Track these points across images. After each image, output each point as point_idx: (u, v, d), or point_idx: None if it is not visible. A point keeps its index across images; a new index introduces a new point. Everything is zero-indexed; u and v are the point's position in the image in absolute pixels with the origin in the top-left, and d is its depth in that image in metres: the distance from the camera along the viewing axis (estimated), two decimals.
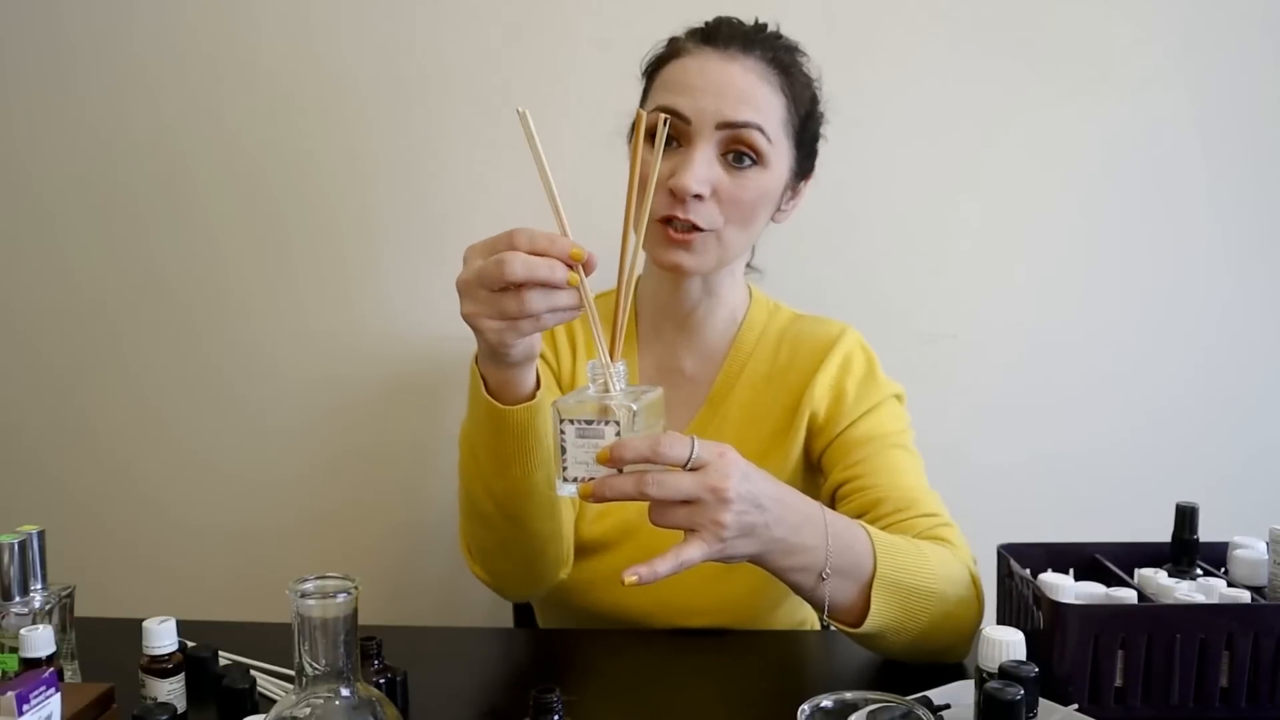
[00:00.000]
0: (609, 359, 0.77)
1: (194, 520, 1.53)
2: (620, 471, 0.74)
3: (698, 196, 0.97)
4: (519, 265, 0.73)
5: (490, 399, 0.85)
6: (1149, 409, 1.46)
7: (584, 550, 1.09)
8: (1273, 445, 1.46)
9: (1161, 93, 1.40)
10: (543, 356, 1.14)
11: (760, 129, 0.99)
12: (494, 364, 0.83)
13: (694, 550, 0.75)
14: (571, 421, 0.74)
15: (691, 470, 0.75)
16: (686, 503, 0.75)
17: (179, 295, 1.49)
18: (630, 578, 0.74)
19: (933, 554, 0.92)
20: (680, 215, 0.97)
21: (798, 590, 0.86)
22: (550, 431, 0.84)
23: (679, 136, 1.00)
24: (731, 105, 0.98)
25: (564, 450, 0.75)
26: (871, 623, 0.86)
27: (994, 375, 1.46)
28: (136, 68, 1.44)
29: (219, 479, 1.52)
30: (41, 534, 0.86)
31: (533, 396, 0.86)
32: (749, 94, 0.99)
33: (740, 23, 1.05)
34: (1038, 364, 1.46)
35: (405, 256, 1.46)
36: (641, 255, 0.85)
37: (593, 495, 0.74)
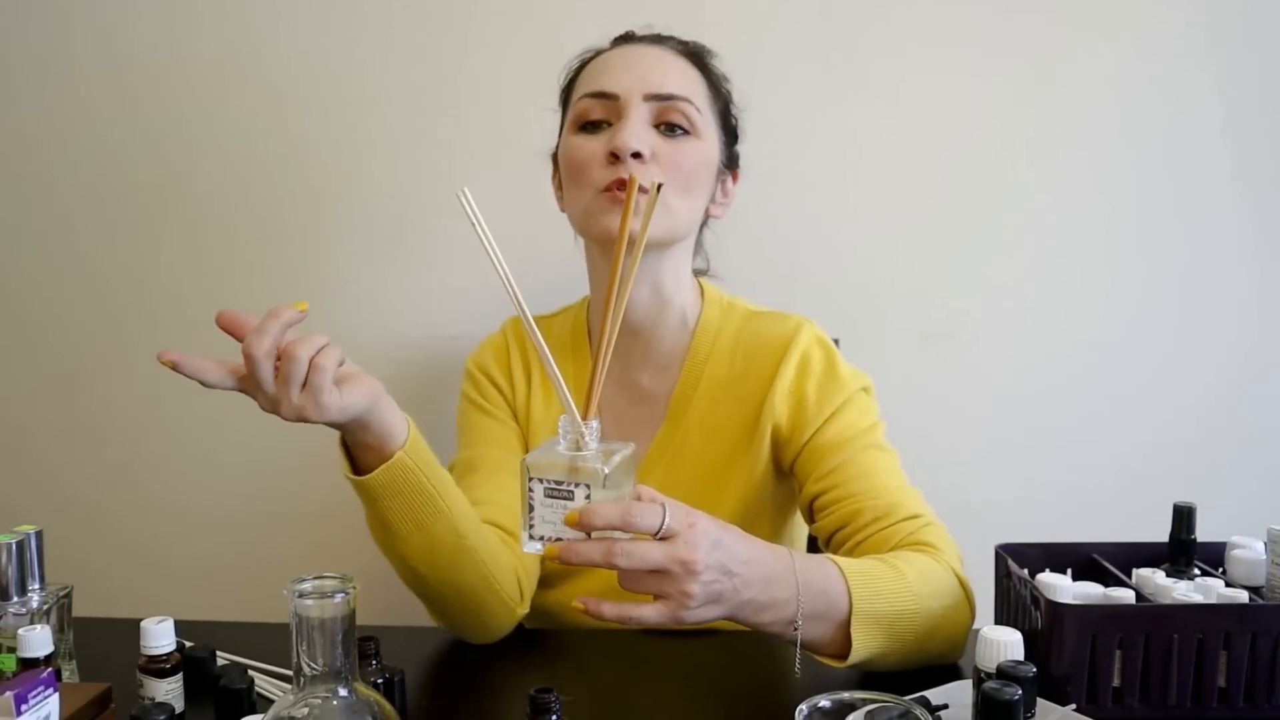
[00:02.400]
0: (579, 417, 0.73)
1: (193, 519, 1.53)
2: (589, 536, 0.72)
3: (637, 155, 0.97)
4: (252, 347, 0.78)
5: (349, 474, 0.88)
6: (1146, 409, 1.46)
7: (560, 576, 1.09)
8: (1271, 445, 1.46)
9: (1162, 92, 1.40)
10: (495, 385, 1.14)
11: (689, 100, 1.01)
12: (345, 435, 0.86)
13: (651, 614, 0.75)
14: (540, 480, 0.72)
15: (661, 539, 0.73)
16: (655, 571, 0.74)
17: (178, 293, 1.49)
18: (578, 604, 0.74)
19: (911, 571, 0.89)
20: (624, 175, 0.96)
21: (773, 639, 0.85)
22: (432, 481, 0.87)
23: (609, 116, 1.01)
24: (658, 78, 1.01)
25: (531, 508, 0.72)
26: (856, 656, 0.85)
27: (992, 376, 1.46)
28: (143, 68, 1.45)
29: (218, 478, 1.52)
30: (39, 534, 0.86)
31: (390, 456, 0.85)
32: (672, 70, 1.02)
33: (649, 29, 1.09)
34: (1036, 364, 1.46)
35: (405, 257, 1.46)
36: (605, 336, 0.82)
37: (559, 558, 0.73)
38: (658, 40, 1.07)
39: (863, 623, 0.85)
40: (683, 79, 1.03)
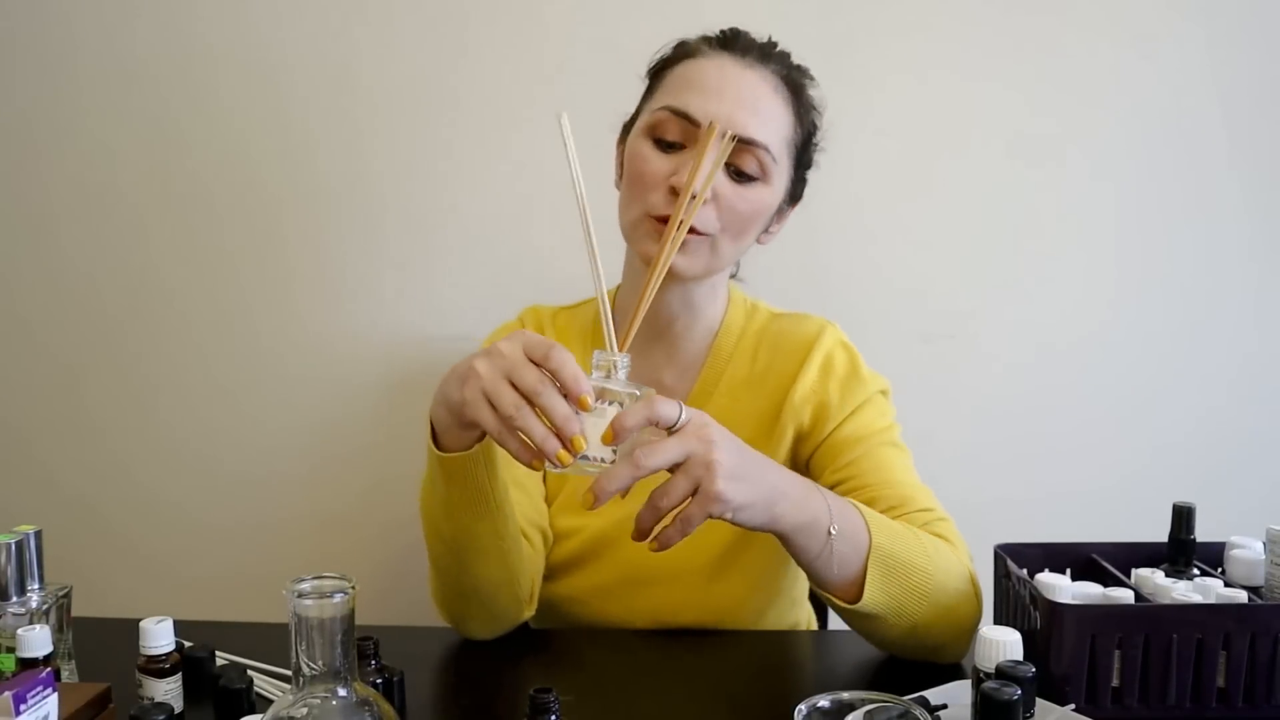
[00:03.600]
0: (616, 349, 0.79)
1: (192, 519, 1.53)
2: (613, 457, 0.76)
3: (695, 196, 0.95)
4: (558, 406, 0.74)
5: (432, 445, 0.88)
6: (1146, 409, 1.46)
7: (565, 568, 1.09)
8: (1269, 445, 1.46)
9: (1163, 93, 1.40)
10: None
11: (767, 149, 0.97)
12: (446, 415, 0.85)
13: (694, 506, 0.76)
14: None
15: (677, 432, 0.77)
16: (679, 468, 0.76)
17: (177, 293, 1.49)
18: (652, 546, 0.77)
19: (927, 540, 0.92)
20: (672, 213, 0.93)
21: (803, 556, 0.86)
22: (494, 486, 0.89)
23: (684, 139, 0.98)
24: (744, 116, 0.96)
25: None
26: (869, 596, 0.86)
27: (991, 376, 1.46)
28: (138, 68, 1.44)
29: (217, 478, 1.52)
30: (38, 534, 0.86)
31: (469, 446, 0.87)
32: (762, 106, 0.97)
33: (756, 36, 1.03)
34: (1035, 364, 1.46)
35: (404, 257, 1.46)
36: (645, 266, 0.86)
37: (597, 496, 0.74)
38: (762, 57, 1.00)
39: (879, 560, 0.86)
40: (770, 120, 0.98)
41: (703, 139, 0.88)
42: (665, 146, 0.98)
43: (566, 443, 0.74)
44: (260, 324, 1.49)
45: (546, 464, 0.75)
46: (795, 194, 1.07)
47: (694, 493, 0.76)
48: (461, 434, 0.85)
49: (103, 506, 1.53)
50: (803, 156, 1.05)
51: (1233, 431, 1.46)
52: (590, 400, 0.74)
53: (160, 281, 1.49)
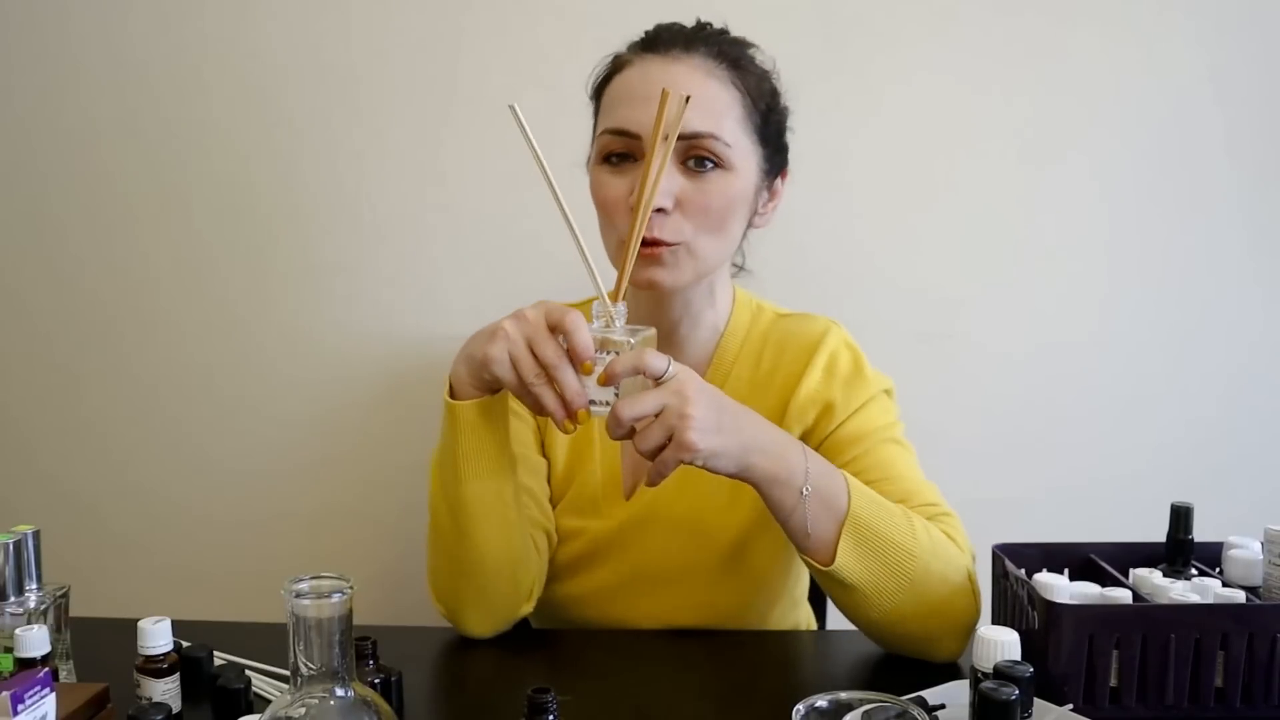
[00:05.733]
0: (609, 301, 0.85)
1: (190, 518, 1.53)
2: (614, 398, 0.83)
3: (660, 210, 0.93)
4: (570, 381, 0.82)
5: (448, 397, 0.92)
6: (1143, 409, 1.46)
7: (569, 569, 1.09)
8: (1268, 445, 1.46)
9: (1176, 90, 1.40)
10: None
11: (714, 136, 0.95)
12: (467, 371, 0.91)
13: (668, 451, 0.82)
14: None
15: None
16: (658, 417, 0.81)
17: (174, 292, 1.49)
18: (645, 483, 0.87)
19: (919, 524, 0.92)
20: (646, 234, 0.92)
21: (778, 511, 0.89)
22: (504, 443, 0.94)
23: (632, 152, 0.97)
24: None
25: None
26: (841, 561, 0.88)
27: (988, 376, 1.46)
28: (137, 68, 1.44)
29: (217, 478, 1.52)
30: (36, 534, 0.86)
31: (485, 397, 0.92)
32: (700, 96, 0.93)
33: (680, 25, 1.02)
34: (1033, 364, 1.46)
35: (403, 256, 1.46)
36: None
37: (611, 429, 0.82)
38: (687, 46, 0.98)
39: (854, 531, 0.88)
40: (712, 106, 0.95)
41: (647, 152, 0.87)
42: (618, 166, 0.98)
43: (572, 414, 0.83)
44: (256, 323, 1.49)
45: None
46: (775, 166, 1.05)
47: (669, 441, 0.82)
48: (478, 392, 0.91)
49: (102, 506, 1.53)
50: (767, 128, 1.01)
51: (1231, 432, 1.46)
52: (593, 364, 0.81)
53: (157, 280, 1.49)
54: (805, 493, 0.87)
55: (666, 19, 1.04)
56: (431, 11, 1.41)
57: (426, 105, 1.43)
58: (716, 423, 0.83)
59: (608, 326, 0.85)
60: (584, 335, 0.81)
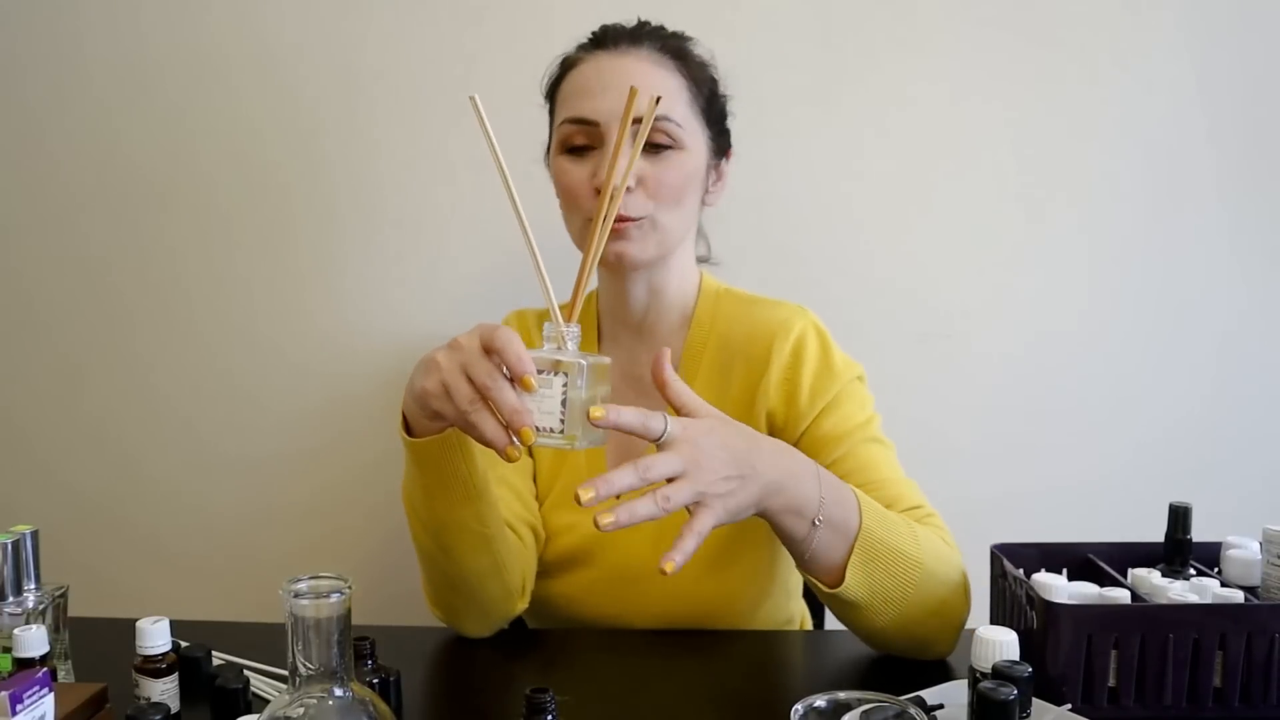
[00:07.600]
0: (561, 321, 0.81)
1: (192, 518, 1.53)
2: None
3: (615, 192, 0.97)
4: (507, 398, 0.77)
5: (403, 432, 0.90)
6: (1141, 409, 1.46)
7: (559, 565, 1.10)
8: (1266, 444, 1.46)
9: (1163, 91, 1.40)
10: None
11: (667, 119, 1.01)
12: (414, 405, 0.86)
13: (705, 518, 0.78)
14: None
15: (662, 447, 0.79)
16: (678, 479, 0.78)
17: (181, 289, 1.49)
18: (667, 565, 0.76)
19: (918, 529, 0.92)
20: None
21: (789, 540, 0.88)
22: (471, 471, 0.90)
23: (592, 141, 1.02)
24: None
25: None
26: (852, 580, 0.87)
27: (987, 375, 1.46)
28: (151, 63, 1.45)
29: (218, 477, 1.52)
30: (35, 534, 0.86)
31: (441, 430, 0.88)
32: (647, 84, 1.00)
33: (624, 24, 1.08)
34: (1032, 364, 1.46)
35: (409, 254, 1.46)
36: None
37: (596, 489, 0.74)
38: (633, 40, 1.05)
39: (863, 550, 0.87)
40: (661, 89, 1.01)
41: (618, 137, 0.87)
42: (579, 154, 1.03)
43: (516, 434, 0.77)
44: (261, 318, 1.49)
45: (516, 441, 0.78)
46: (720, 148, 1.11)
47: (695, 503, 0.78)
48: (429, 423, 0.87)
49: (104, 503, 1.54)
50: (711, 112, 1.08)
51: (1229, 432, 1.46)
52: (533, 381, 0.76)
53: (164, 277, 1.49)
54: (818, 523, 0.86)
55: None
56: (448, 16, 1.41)
57: (438, 105, 1.43)
58: (736, 469, 0.80)
59: (559, 350, 0.80)
60: (515, 348, 0.77)
